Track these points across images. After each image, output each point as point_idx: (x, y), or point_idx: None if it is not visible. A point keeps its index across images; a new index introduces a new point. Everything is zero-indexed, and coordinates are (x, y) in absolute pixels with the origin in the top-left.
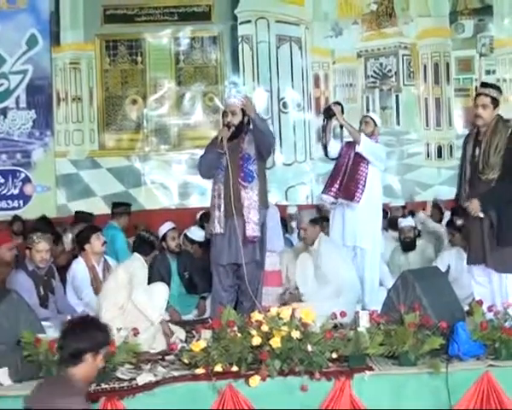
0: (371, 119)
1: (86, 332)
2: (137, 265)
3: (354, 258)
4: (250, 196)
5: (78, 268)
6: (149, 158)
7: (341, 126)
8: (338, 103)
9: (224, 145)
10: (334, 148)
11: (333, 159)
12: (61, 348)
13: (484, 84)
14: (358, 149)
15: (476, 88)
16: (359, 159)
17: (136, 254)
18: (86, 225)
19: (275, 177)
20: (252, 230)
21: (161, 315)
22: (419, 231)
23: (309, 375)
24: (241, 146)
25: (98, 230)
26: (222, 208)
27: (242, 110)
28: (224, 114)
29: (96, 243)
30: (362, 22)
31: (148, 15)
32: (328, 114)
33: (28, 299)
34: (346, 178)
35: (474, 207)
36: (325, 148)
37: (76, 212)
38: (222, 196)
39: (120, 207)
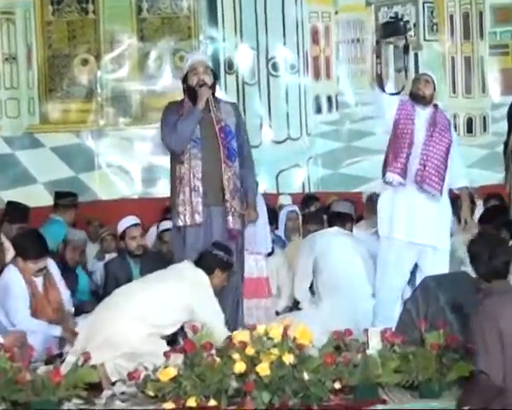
0: (431, 78)
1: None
2: None
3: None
4: (234, 179)
5: (12, 282)
6: (105, 134)
7: (405, 49)
8: (400, 20)
9: (213, 107)
10: (392, 81)
11: (392, 94)
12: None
13: None
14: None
15: None
16: (445, 142)
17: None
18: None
19: (262, 158)
20: (234, 222)
21: None
22: None
23: None
24: (217, 115)
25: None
26: (201, 192)
27: (212, 71)
28: (192, 72)
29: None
30: None
31: None
32: (391, 30)
33: None
34: (421, 158)
35: None
36: (381, 79)
37: (8, 202)
38: (200, 176)
39: (66, 197)
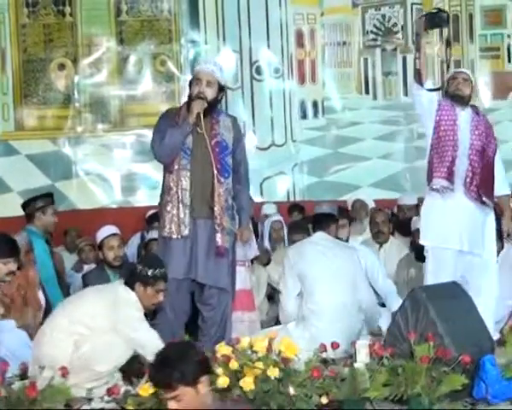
0: (469, 76)
1: None
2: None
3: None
4: (226, 195)
5: None
6: (83, 141)
7: (448, 44)
8: (443, 11)
9: (202, 123)
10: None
11: (430, 90)
12: None
13: None
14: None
15: (509, 46)
16: (492, 148)
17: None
18: None
19: None
20: (223, 239)
21: None
22: None
23: None
24: (214, 128)
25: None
26: (187, 205)
27: (219, 84)
28: (195, 81)
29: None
30: None
31: None
32: (437, 21)
33: None
34: (470, 163)
35: None
36: (419, 75)
37: None
38: (188, 189)
39: (36, 201)
